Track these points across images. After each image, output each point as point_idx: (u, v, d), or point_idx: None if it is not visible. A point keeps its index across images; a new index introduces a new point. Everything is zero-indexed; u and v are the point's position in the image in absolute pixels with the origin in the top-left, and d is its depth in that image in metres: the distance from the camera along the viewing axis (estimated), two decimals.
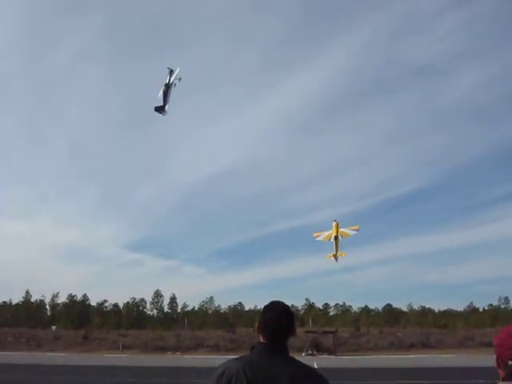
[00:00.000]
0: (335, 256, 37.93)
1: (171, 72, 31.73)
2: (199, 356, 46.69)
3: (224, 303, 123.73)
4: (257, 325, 3.20)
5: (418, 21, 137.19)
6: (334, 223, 38.19)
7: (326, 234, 37.95)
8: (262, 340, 3.14)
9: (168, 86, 31.72)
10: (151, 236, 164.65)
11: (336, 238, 37.31)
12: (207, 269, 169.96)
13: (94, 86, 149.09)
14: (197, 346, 54.63)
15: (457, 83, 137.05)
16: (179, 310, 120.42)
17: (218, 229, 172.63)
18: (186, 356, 47.36)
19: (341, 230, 37.75)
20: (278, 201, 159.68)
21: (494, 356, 2.83)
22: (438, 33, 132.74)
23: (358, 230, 38.82)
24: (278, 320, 3.11)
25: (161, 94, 32.31)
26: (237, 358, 3.11)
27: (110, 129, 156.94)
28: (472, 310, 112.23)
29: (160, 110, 32.64)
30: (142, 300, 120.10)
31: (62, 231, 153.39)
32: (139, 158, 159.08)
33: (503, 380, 2.77)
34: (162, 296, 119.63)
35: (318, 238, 39.07)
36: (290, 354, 3.17)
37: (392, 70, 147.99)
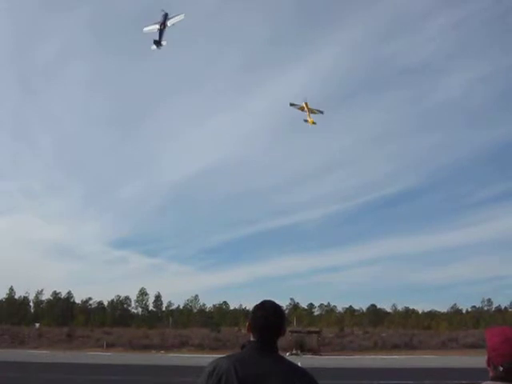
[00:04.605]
0: (311, 121, 48.28)
1: (166, 15, 36.34)
2: (183, 355, 46.65)
3: (209, 302, 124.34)
4: (247, 324, 3.25)
5: (408, 21, 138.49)
6: (304, 104, 47.91)
7: (300, 106, 48.13)
8: (252, 339, 3.20)
9: (164, 26, 36.39)
10: (137, 233, 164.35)
11: (307, 107, 47.66)
12: (192, 267, 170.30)
13: (81, 81, 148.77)
14: (181, 345, 54.62)
15: (447, 83, 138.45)
16: (164, 309, 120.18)
17: (204, 227, 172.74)
18: (171, 354, 47.30)
19: (310, 107, 47.86)
20: (264, 200, 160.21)
21: (486, 356, 2.91)
22: (428, 33, 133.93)
23: (322, 113, 48.72)
24: (269, 319, 3.16)
25: (149, 29, 37.20)
26: (227, 356, 3.16)
27: (97, 125, 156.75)
28: (455, 312, 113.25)
29: (157, 43, 37.45)
30: (127, 298, 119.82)
31: (47, 228, 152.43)
32: (125, 155, 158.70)
33: (492, 379, 2.85)
34: (146, 294, 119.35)
35: (294, 107, 48.31)
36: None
37: (381, 70, 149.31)
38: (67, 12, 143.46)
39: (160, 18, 36.83)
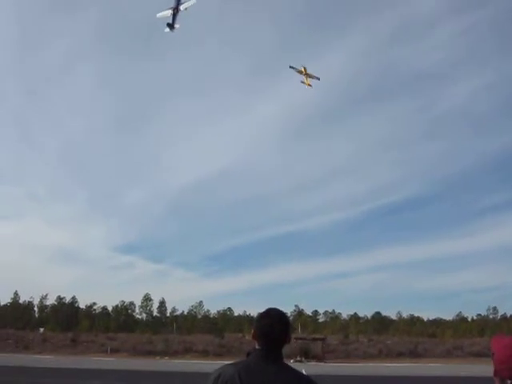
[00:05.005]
0: (307, 83, 53.41)
1: (179, 0, 38.71)
2: (188, 361, 46.55)
3: (213, 308, 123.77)
4: (252, 331, 3.26)
5: (415, 28, 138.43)
6: (302, 68, 52.89)
7: (299, 69, 52.91)
8: (257, 346, 3.20)
9: (177, 10, 38.86)
10: (142, 239, 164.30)
11: (305, 71, 52.51)
12: (197, 273, 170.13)
13: (86, 86, 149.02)
14: (185, 351, 54.47)
15: (453, 91, 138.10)
16: (168, 315, 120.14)
17: (209, 233, 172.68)
18: (175, 360, 47.19)
19: (307, 72, 52.85)
20: (269, 206, 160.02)
21: (492, 367, 2.87)
22: (435, 40, 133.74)
23: (318, 79, 53.73)
24: (274, 327, 3.16)
25: (162, 14, 39.47)
26: (233, 363, 3.17)
27: (102, 130, 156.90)
28: (461, 320, 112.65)
29: (171, 26, 39.58)
30: (131, 303, 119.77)
31: (52, 232, 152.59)
32: (132, 159, 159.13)
33: None
34: (151, 300, 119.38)
35: (293, 70, 52.98)
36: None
37: (388, 77, 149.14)
38: (72, 15, 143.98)
39: (173, 3, 39.13)
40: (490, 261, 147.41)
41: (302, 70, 52.69)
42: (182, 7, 39.01)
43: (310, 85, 53.64)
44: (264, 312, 3.28)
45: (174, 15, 39.41)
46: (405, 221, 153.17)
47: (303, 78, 53.16)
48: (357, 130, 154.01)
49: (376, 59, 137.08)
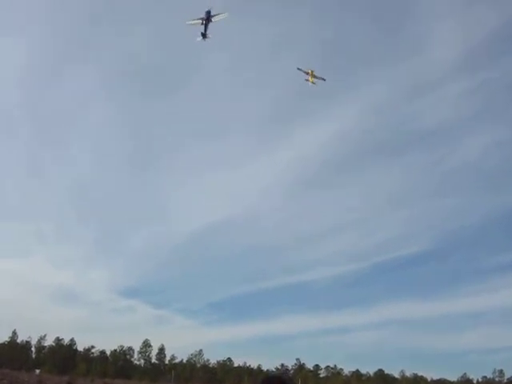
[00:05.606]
0: (311, 81, 57.94)
1: (209, 12, 43.32)
2: None
3: (213, 357, 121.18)
4: None
5: (428, 84, 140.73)
6: (309, 71, 57.89)
7: (306, 71, 57.71)
8: None
9: (208, 21, 43.20)
10: (144, 283, 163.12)
11: (312, 74, 57.58)
12: (198, 321, 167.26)
13: (98, 126, 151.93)
14: None
15: (464, 147, 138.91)
16: (167, 362, 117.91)
17: (212, 281, 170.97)
18: None
19: (314, 74, 57.80)
20: (275, 256, 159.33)
21: None
22: (447, 97, 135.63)
23: (324, 80, 59.08)
24: None
25: (192, 22, 44.17)
26: None
27: (111, 171, 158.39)
28: (466, 381, 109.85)
29: (203, 35, 44.20)
30: (130, 348, 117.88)
31: (56, 272, 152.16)
32: (140, 202, 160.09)
33: None
34: (150, 346, 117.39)
35: (302, 72, 57.88)
36: None
37: (401, 132, 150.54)
38: (84, 60, 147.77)
39: (203, 15, 43.67)
40: (498, 321, 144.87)
41: (309, 71, 57.81)
42: (213, 19, 43.50)
43: (313, 82, 58.27)
44: (266, 380, 3.29)
45: (206, 25, 43.76)
46: (410, 276, 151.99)
47: (309, 77, 57.84)
48: (366, 183, 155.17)
49: (389, 114, 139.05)
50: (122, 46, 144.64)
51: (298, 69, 57.63)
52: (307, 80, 57.95)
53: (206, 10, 43.75)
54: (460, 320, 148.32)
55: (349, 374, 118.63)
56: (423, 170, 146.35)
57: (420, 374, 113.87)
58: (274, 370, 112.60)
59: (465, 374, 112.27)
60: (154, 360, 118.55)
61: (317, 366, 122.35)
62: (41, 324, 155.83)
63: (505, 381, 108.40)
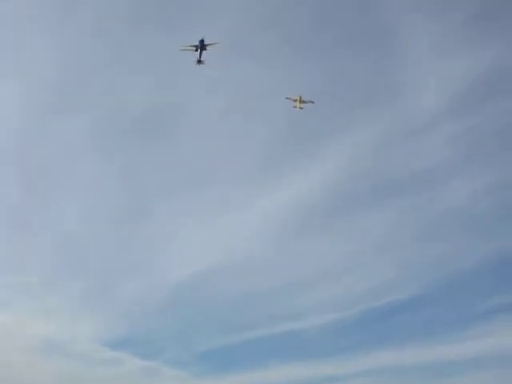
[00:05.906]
0: (299, 106, 62.58)
1: (202, 40, 46.81)
2: None
3: None
4: None
5: (415, 128, 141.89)
6: (298, 97, 62.15)
7: (294, 98, 62.03)
8: None
9: (203, 48, 46.96)
10: (133, 334, 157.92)
11: (300, 100, 61.62)
12: (188, 372, 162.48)
13: (85, 178, 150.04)
14: None
15: (452, 192, 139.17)
16: None
17: (202, 330, 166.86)
18: None
19: (302, 99, 61.89)
20: (265, 303, 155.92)
21: None
22: (435, 140, 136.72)
23: (313, 103, 62.67)
24: None
25: (184, 48, 47.92)
26: None
27: (99, 223, 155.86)
28: None
29: (199, 61, 48.68)
30: None
31: (39, 324, 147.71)
32: (126, 254, 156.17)
33: None
34: None
35: (289, 100, 61.90)
36: None
37: (389, 176, 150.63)
38: (72, 113, 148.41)
39: (197, 43, 47.29)
40: (493, 367, 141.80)
41: (297, 98, 61.51)
42: (208, 47, 46.93)
43: (301, 107, 62.03)
44: None
45: (200, 52, 47.87)
46: (403, 322, 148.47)
47: (297, 103, 61.68)
48: (356, 229, 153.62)
49: (375, 157, 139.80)
50: (110, 94, 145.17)
51: (287, 98, 60.25)
52: (295, 107, 61.35)
53: (200, 39, 46.96)
54: (452, 366, 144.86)
55: None
56: (412, 214, 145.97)
57: None
58: None
59: None
60: None
61: None
62: (21, 379, 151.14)
63: None
